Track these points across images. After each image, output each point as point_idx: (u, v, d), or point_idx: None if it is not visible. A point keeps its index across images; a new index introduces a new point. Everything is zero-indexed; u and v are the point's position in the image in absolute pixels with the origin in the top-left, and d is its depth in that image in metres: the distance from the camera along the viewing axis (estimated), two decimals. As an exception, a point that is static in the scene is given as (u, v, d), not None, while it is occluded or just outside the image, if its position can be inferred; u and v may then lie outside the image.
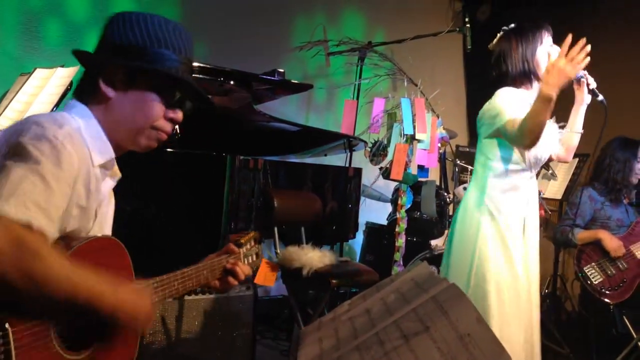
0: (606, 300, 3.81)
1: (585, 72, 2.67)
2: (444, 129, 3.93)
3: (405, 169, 3.61)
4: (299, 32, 5.10)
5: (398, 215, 3.78)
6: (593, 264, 3.91)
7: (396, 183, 4.16)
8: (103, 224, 1.57)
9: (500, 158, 2.63)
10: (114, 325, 1.35)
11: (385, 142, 3.80)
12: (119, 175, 1.61)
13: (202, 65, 3.01)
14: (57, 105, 2.75)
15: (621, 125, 4.49)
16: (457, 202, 4.42)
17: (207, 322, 3.02)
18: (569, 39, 2.38)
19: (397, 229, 3.77)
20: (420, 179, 3.80)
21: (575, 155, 4.64)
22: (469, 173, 4.88)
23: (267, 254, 3.47)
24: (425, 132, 3.66)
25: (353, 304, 1.81)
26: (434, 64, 5.88)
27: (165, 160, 2.92)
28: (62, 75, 2.85)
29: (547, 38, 2.66)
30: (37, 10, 3.97)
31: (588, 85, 2.68)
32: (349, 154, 4.20)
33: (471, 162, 4.91)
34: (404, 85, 4.02)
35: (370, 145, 3.85)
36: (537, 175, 3.04)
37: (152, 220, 2.84)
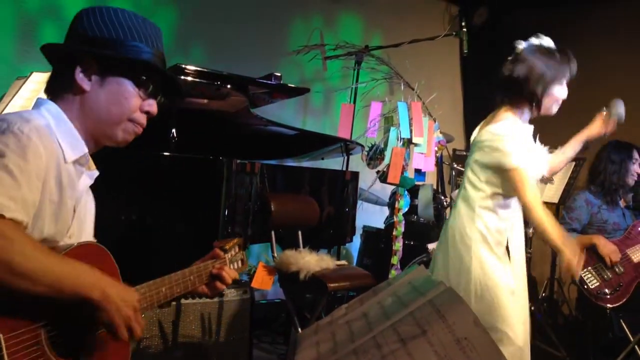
0: (603, 304, 3.82)
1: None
2: (440, 132, 3.94)
3: (402, 173, 3.62)
4: (295, 36, 5.10)
5: (395, 219, 3.78)
6: (589, 268, 3.91)
7: (393, 187, 4.17)
8: (83, 222, 1.55)
9: (488, 182, 2.61)
10: (98, 316, 1.34)
11: (382, 145, 3.80)
12: (95, 170, 1.59)
13: (199, 69, 3.01)
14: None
15: (620, 131, 4.51)
16: (454, 205, 4.42)
17: (204, 326, 3.01)
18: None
19: (394, 233, 3.77)
20: (417, 183, 3.81)
21: (571, 160, 4.67)
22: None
23: (264, 258, 3.47)
24: (422, 136, 3.67)
25: (350, 308, 1.81)
26: (431, 67, 5.89)
27: (162, 164, 2.92)
28: (59, 79, 2.85)
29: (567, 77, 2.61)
30: (33, 14, 3.97)
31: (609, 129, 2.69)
32: (346, 157, 4.21)
33: (468, 165, 4.94)
34: (400, 89, 4.03)
35: (367, 149, 3.85)
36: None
37: (148, 224, 2.84)
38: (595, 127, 2.76)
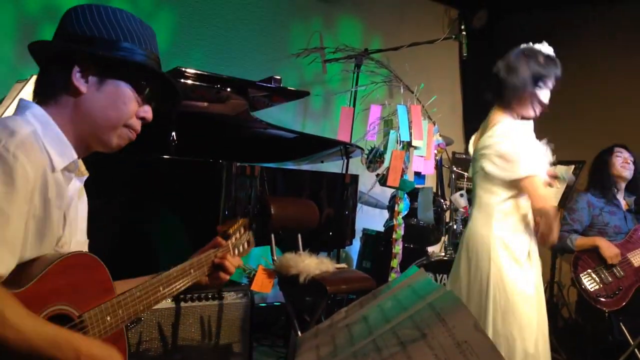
0: (602, 307, 3.82)
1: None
2: (440, 135, 3.94)
3: (401, 176, 3.62)
4: (295, 39, 5.11)
5: (395, 222, 3.78)
6: (589, 270, 3.91)
7: (393, 190, 4.17)
8: (75, 227, 1.49)
9: (502, 186, 2.61)
10: None
11: (382, 149, 3.81)
12: (86, 173, 1.53)
13: (199, 72, 3.02)
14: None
15: (620, 135, 4.53)
16: (453, 208, 4.43)
17: (203, 329, 3.01)
18: None
19: (394, 236, 3.77)
20: (416, 186, 3.81)
21: (571, 163, 4.69)
22: (465, 179, 4.89)
23: (263, 261, 3.47)
24: (421, 139, 3.67)
25: (350, 311, 1.81)
26: (430, 71, 5.90)
27: (162, 167, 2.92)
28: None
29: (554, 79, 2.62)
30: (34, 17, 3.97)
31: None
32: (345, 160, 4.21)
33: (468, 168, 4.94)
34: (400, 92, 4.04)
35: (366, 152, 3.86)
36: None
37: (148, 227, 2.84)
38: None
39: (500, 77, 2.64)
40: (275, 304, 4.88)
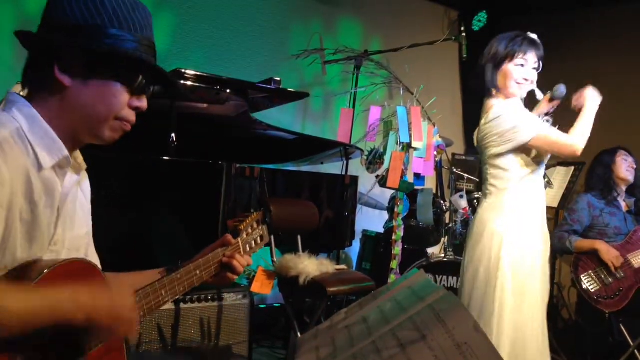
0: (602, 308, 3.82)
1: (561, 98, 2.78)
2: (440, 137, 3.94)
3: (401, 177, 3.62)
4: (295, 40, 5.11)
5: (395, 223, 3.78)
6: (590, 272, 3.91)
7: (392, 191, 4.16)
8: (72, 222, 1.43)
9: (516, 167, 2.67)
10: (93, 333, 1.26)
11: (382, 150, 3.80)
12: (83, 166, 1.46)
13: (199, 73, 3.02)
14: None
15: (620, 136, 4.54)
16: (453, 210, 4.43)
17: (203, 331, 3.01)
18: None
19: (393, 237, 3.77)
20: (416, 187, 3.81)
21: (571, 164, 4.69)
22: (464, 181, 4.89)
23: (263, 262, 3.46)
24: (421, 140, 3.67)
25: (350, 312, 1.81)
26: (430, 72, 5.90)
27: (162, 169, 2.92)
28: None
29: (529, 56, 2.67)
30: (33, 18, 3.96)
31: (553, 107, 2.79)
32: (345, 162, 4.21)
33: (467, 170, 4.95)
34: (400, 93, 4.03)
35: (366, 153, 3.85)
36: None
37: (147, 228, 2.84)
38: (542, 105, 2.85)
39: (480, 65, 2.76)
40: (275, 305, 4.87)
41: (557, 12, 5.77)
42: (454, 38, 5.08)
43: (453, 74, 6.70)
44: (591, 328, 4.19)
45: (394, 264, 3.75)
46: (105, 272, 1.47)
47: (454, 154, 5.42)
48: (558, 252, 4.53)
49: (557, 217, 4.92)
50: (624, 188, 4.18)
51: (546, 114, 2.86)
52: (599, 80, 5.07)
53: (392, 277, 3.71)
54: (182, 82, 2.94)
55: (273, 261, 3.34)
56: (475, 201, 4.43)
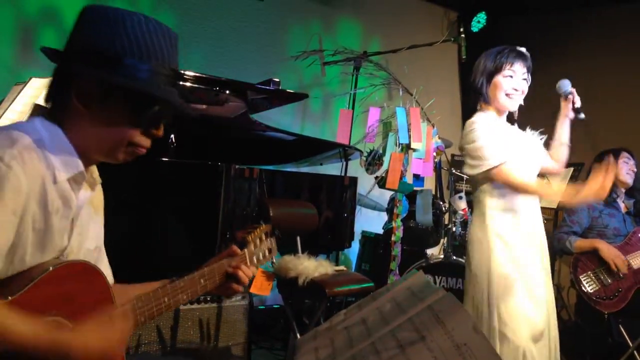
0: (601, 309, 3.82)
1: (574, 90, 2.72)
2: (439, 138, 3.94)
3: (400, 178, 3.62)
4: (294, 41, 5.11)
5: (394, 224, 3.78)
6: (589, 272, 3.91)
7: (392, 192, 4.17)
8: (85, 235, 1.45)
9: (486, 181, 2.68)
10: None
11: (381, 151, 3.80)
12: (98, 181, 1.49)
13: (198, 74, 3.02)
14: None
15: (620, 136, 4.53)
16: (452, 211, 4.43)
17: (202, 332, 3.01)
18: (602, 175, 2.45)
19: (393, 238, 3.77)
20: (415, 188, 3.81)
21: (569, 165, 4.69)
22: (464, 182, 4.89)
23: (262, 263, 3.46)
24: (420, 141, 3.67)
25: (349, 314, 1.81)
26: (429, 73, 5.90)
27: (161, 170, 2.92)
28: (58, 85, 2.84)
29: (517, 67, 2.67)
30: (32, 20, 3.97)
31: (574, 103, 2.72)
32: (344, 163, 4.21)
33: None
34: (399, 94, 4.03)
35: (365, 154, 3.85)
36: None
37: (146, 230, 2.83)
38: (563, 112, 2.80)
39: (470, 81, 2.80)
40: (274, 306, 4.87)
41: (555, 12, 5.77)
42: (453, 39, 5.08)
43: (452, 75, 6.70)
44: (590, 329, 4.19)
45: (393, 265, 3.75)
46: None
47: (453, 155, 5.42)
48: (558, 253, 4.53)
49: (556, 219, 4.92)
50: (623, 190, 4.18)
51: (540, 131, 2.85)
52: (597, 80, 5.09)
53: (392, 278, 3.71)
54: (180, 83, 2.93)
55: (272, 262, 3.34)
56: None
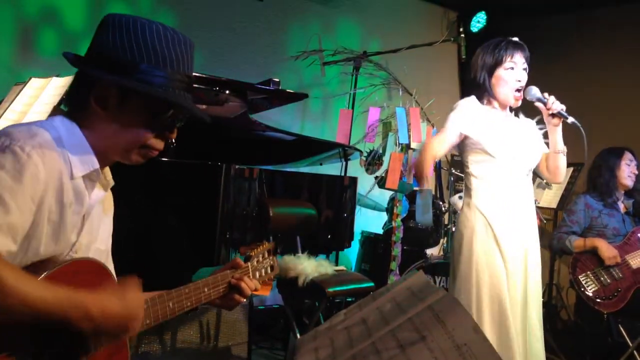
0: (600, 309, 3.82)
1: (547, 96, 2.65)
2: (439, 138, 3.94)
3: (400, 178, 3.62)
4: (294, 41, 5.11)
5: (394, 224, 3.78)
6: (588, 272, 3.91)
7: (391, 192, 4.17)
8: (95, 235, 1.49)
9: (475, 162, 2.75)
10: (100, 340, 1.31)
11: (381, 151, 3.81)
12: (111, 183, 1.54)
13: (197, 74, 3.01)
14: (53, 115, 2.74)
15: (619, 136, 4.54)
16: (452, 211, 4.43)
17: (202, 332, 3.01)
18: None
19: (392, 238, 3.78)
20: (415, 188, 3.81)
21: (569, 165, 4.68)
22: (464, 182, 4.89)
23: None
24: (420, 141, 3.67)
25: (349, 314, 1.81)
26: (429, 73, 5.90)
27: (160, 170, 2.92)
28: (57, 85, 2.85)
29: (517, 58, 2.68)
30: (32, 20, 3.97)
31: (549, 109, 2.65)
32: (344, 163, 4.21)
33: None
34: (399, 94, 4.04)
35: (365, 154, 3.86)
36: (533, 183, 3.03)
37: (145, 230, 2.83)
38: (544, 116, 2.76)
39: (471, 77, 2.82)
40: (274, 306, 4.87)
41: (555, 12, 5.77)
42: (452, 39, 5.09)
43: (452, 75, 6.70)
44: (590, 329, 4.20)
45: (393, 265, 3.76)
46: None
47: (452, 155, 5.41)
48: (557, 253, 4.53)
49: (556, 218, 4.92)
50: (622, 191, 4.17)
51: (538, 122, 2.84)
52: (598, 80, 5.08)
53: (392, 278, 3.72)
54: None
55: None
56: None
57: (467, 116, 2.69)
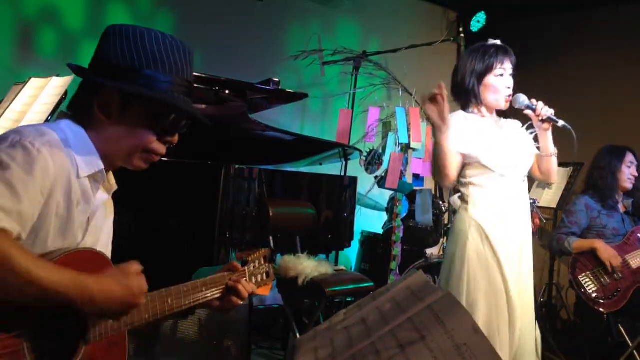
0: (600, 309, 3.82)
1: (535, 102, 2.63)
2: (438, 138, 3.94)
3: (400, 178, 3.62)
4: (294, 41, 5.11)
5: (394, 224, 3.78)
6: (588, 272, 3.91)
7: (391, 192, 4.17)
8: (98, 237, 1.53)
9: (472, 176, 2.71)
10: (106, 316, 1.36)
11: (381, 151, 3.81)
12: (114, 187, 1.58)
13: (197, 74, 3.01)
14: (52, 114, 2.75)
15: (619, 136, 4.53)
16: (452, 211, 4.43)
17: (202, 331, 3.01)
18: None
19: (392, 238, 3.78)
20: (415, 188, 3.81)
21: (569, 164, 4.69)
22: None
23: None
24: (420, 141, 3.67)
25: (349, 313, 1.81)
26: (429, 73, 5.88)
27: (160, 170, 2.91)
28: (57, 85, 2.85)
29: (506, 65, 2.68)
30: (32, 20, 3.97)
31: (538, 115, 2.62)
32: (344, 163, 4.21)
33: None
34: (398, 94, 4.04)
35: (365, 154, 3.86)
36: (532, 183, 3.04)
37: (144, 229, 2.83)
38: (534, 121, 2.73)
39: (456, 82, 2.86)
40: (273, 306, 4.87)
41: (555, 13, 5.77)
42: (452, 39, 5.09)
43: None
44: (590, 329, 4.20)
45: (393, 265, 3.76)
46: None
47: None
48: (557, 254, 4.53)
49: (555, 219, 4.92)
50: (622, 193, 4.17)
51: (528, 127, 2.82)
52: (597, 80, 5.09)
53: (392, 278, 3.72)
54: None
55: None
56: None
57: (460, 134, 2.66)
